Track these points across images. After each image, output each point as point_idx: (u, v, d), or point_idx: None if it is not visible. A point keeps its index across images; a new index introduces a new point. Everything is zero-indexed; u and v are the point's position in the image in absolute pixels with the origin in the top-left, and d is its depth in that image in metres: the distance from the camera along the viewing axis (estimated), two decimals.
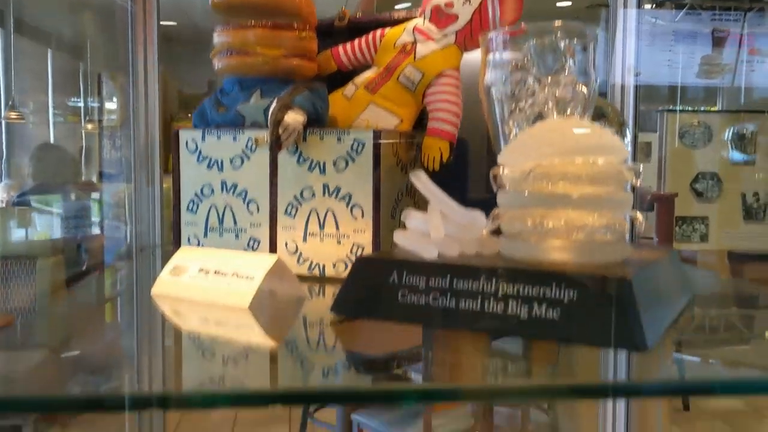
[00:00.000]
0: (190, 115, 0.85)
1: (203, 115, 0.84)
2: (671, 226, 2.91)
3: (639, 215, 0.57)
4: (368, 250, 0.77)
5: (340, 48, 0.90)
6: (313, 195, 0.78)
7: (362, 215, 0.77)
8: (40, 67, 4.49)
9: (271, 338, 0.61)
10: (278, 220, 0.80)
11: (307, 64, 0.83)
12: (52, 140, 4.51)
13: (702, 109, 3.81)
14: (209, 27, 0.83)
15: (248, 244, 0.81)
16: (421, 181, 0.61)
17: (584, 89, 0.59)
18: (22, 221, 3.17)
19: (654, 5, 3.37)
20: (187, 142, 0.84)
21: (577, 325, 0.50)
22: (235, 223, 0.82)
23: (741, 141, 3.04)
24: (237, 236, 0.82)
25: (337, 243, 0.78)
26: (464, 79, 0.86)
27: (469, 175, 0.96)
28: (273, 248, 0.80)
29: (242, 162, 0.81)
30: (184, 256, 0.70)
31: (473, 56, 0.83)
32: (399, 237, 0.62)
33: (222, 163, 0.82)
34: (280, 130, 0.76)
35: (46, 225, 3.24)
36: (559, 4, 4.93)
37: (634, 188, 0.57)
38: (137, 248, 0.98)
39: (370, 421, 1.94)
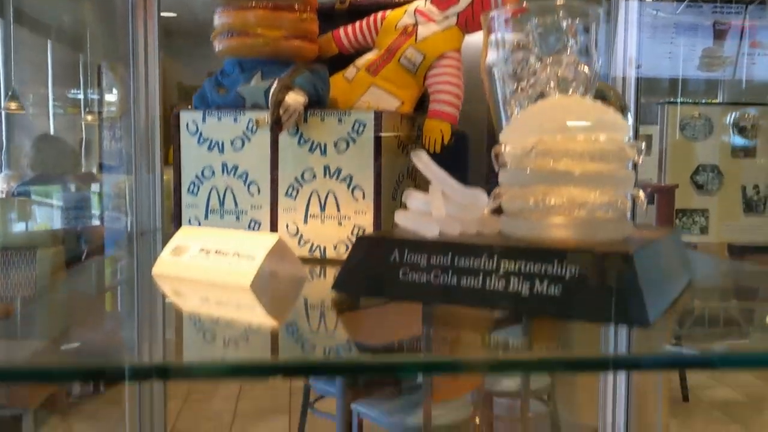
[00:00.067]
0: (189, 106, 0.85)
1: (204, 96, 0.84)
2: (671, 218, 2.91)
3: (641, 193, 0.57)
4: (369, 231, 0.76)
5: (341, 31, 0.90)
6: (314, 176, 0.78)
7: (363, 197, 0.77)
8: (40, 58, 4.48)
9: (273, 317, 0.61)
10: (279, 201, 0.80)
11: (308, 46, 0.83)
12: (52, 132, 4.51)
13: (703, 101, 3.81)
14: (209, 18, 0.83)
15: (249, 226, 0.81)
16: (422, 161, 0.61)
17: (586, 69, 0.59)
18: (22, 212, 3.17)
19: None
20: (187, 124, 0.84)
21: (578, 301, 0.50)
22: (236, 204, 0.82)
23: (742, 131, 3.04)
24: (238, 218, 0.82)
25: (338, 225, 0.78)
26: (466, 63, 0.85)
27: (469, 163, 0.96)
28: (274, 230, 0.80)
29: (243, 144, 0.81)
30: (185, 235, 0.70)
31: (475, 39, 0.83)
32: (400, 217, 0.62)
33: (223, 144, 0.82)
34: (281, 111, 0.75)
35: (46, 216, 3.24)
36: None
37: (635, 166, 0.57)
38: (138, 232, 0.98)
39: (370, 410, 1.93)
